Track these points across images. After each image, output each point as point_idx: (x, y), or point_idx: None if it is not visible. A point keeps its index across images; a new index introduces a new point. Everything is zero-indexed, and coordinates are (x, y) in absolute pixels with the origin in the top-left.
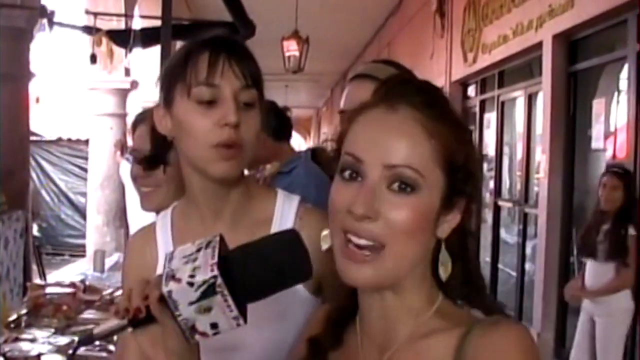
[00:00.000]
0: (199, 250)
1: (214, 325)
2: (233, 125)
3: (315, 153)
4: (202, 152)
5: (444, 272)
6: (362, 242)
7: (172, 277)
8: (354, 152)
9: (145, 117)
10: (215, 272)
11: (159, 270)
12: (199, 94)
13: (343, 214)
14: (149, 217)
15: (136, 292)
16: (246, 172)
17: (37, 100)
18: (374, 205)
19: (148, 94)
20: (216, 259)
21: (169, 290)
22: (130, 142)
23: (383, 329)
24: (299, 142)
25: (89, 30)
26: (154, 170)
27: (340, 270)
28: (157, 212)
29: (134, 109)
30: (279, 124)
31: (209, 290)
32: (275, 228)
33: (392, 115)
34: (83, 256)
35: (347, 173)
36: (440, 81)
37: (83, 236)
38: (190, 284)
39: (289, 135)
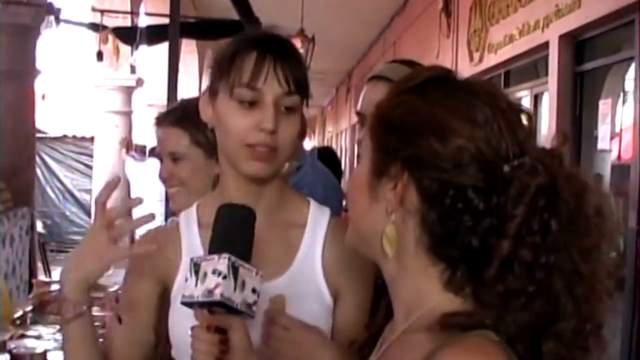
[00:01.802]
0: (198, 266)
1: (254, 290)
2: (270, 131)
3: (321, 152)
4: (236, 150)
5: (387, 246)
6: None
7: (210, 291)
8: None
9: (168, 116)
10: (227, 255)
11: (183, 267)
12: (240, 95)
13: None
14: None
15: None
16: None
17: (43, 97)
18: None
19: (154, 92)
20: (215, 255)
21: (221, 294)
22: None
23: (395, 321)
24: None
25: (95, 27)
26: (180, 169)
27: None
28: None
29: (139, 107)
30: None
31: (234, 269)
32: (309, 234)
33: None
34: None
35: None
36: None
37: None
38: (224, 277)
39: (304, 134)
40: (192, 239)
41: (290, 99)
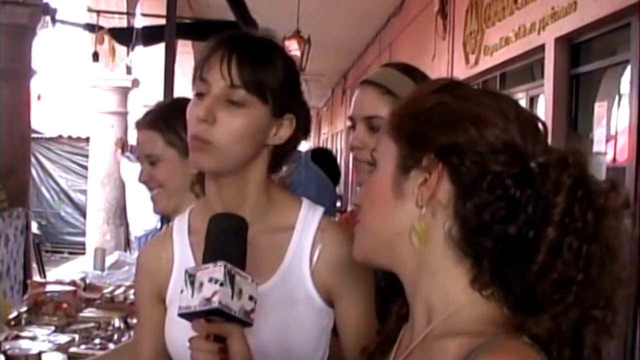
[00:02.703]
0: (193, 277)
1: (251, 297)
2: (201, 119)
3: (315, 154)
4: (188, 141)
5: (416, 242)
6: None
7: (208, 299)
8: None
9: (143, 119)
10: (223, 263)
11: (175, 273)
12: (196, 87)
13: None
14: (149, 216)
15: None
16: None
17: (39, 97)
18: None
19: (149, 93)
20: (210, 263)
21: (219, 301)
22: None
23: (413, 324)
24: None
25: (91, 28)
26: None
27: None
28: (164, 214)
29: (135, 107)
30: None
31: (231, 277)
32: (296, 237)
33: None
34: (82, 254)
35: None
36: None
37: (82, 234)
38: (222, 284)
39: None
40: (183, 245)
41: (235, 93)
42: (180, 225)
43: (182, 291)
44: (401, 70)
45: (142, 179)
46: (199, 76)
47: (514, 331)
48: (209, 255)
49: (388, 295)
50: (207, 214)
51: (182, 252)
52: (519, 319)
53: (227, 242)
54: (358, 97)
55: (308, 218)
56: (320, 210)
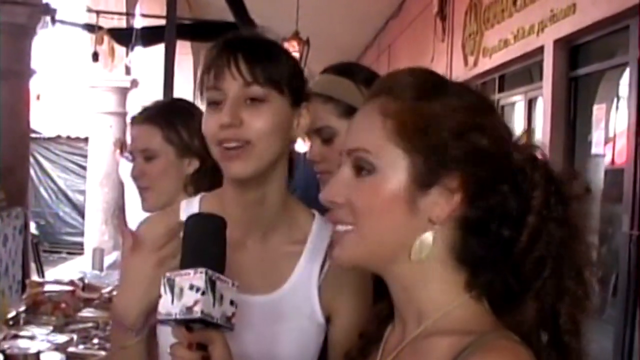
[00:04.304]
0: (173, 281)
1: (232, 302)
2: (226, 125)
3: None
4: (215, 152)
5: (418, 255)
6: (338, 227)
7: (189, 308)
8: None
9: (141, 113)
10: (203, 269)
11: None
12: (209, 97)
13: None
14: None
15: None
16: None
17: (38, 97)
18: (341, 190)
19: (148, 93)
20: (191, 269)
21: (201, 310)
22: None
23: (401, 326)
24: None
25: (90, 28)
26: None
27: None
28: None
29: (134, 108)
30: None
31: (212, 283)
32: (308, 251)
33: (366, 105)
34: (81, 254)
35: None
36: None
37: (81, 234)
38: (203, 292)
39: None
40: None
41: (252, 90)
42: (188, 210)
43: (160, 296)
44: (337, 73)
45: (133, 174)
46: (210, 86)
47: (502, 329)
48: (189, 258)
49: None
50: (220, 210)
51: None
52: (504, 313)
53: (207, 244)
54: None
55: (321, 233)
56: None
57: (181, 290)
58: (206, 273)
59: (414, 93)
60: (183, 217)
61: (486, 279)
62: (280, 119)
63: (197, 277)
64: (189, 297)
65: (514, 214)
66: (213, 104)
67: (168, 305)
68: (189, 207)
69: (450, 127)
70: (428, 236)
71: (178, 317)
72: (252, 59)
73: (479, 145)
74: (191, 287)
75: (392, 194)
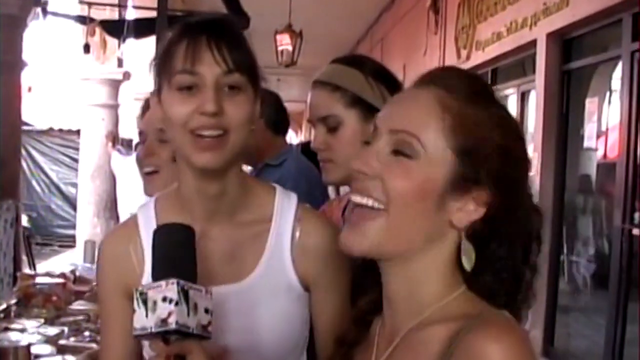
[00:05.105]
0: (145, 295)
1: (207, 310)
2: (211, 114)
3: (305, 147)
4: (182, 141)
5: (467, 263)
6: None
7: (164, 320)
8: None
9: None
10: (175, 280)
11: (148, 271)
12: (179, 81)
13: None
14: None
15: None
16: (246, 168)
17: (30, 89)
18: (374, 162)
19: (140, 85)
20: (169, 278)
21: (176, 321)
22: (121, 133)
23: (392, 318)
24: (290, 136)
25: (82, 20)
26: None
27: None
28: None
29: (126, 100)
30: (279, 117)
31: (184, 293)
32: (275, 227)
33: (419, 90)
34: (72, 247)
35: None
36: None
37: (72, 227)
38: (177, 303)
39: (286, 130)
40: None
41: (232, 78)
42: (145, 217)
43: (134, 310)
44: (346, 64)
45: (140, 155)
46: (183, 69)
47: (496, 309)
48: (159, 270)
49: (359, 287)
50: (178, 206)
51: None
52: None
53: (176, 254)
54: (311, 99)
55: (284, 206)
56: (294, 197)
57: (154, 303)
58: (178, 284)
59: (470, 93)
60: (143, 229)
61: (485, 280)
62: (252, 108)
63: (169, 288)
64: (163, 309)
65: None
66: (185, 89)
67: (142, 320)
68: (146, 212)
69: (499, 145)
70: (466, 243)
71: (153, 330)
72: (234, 46)
73: (513, 174)
74: (164, 299)
75: (429, 185)
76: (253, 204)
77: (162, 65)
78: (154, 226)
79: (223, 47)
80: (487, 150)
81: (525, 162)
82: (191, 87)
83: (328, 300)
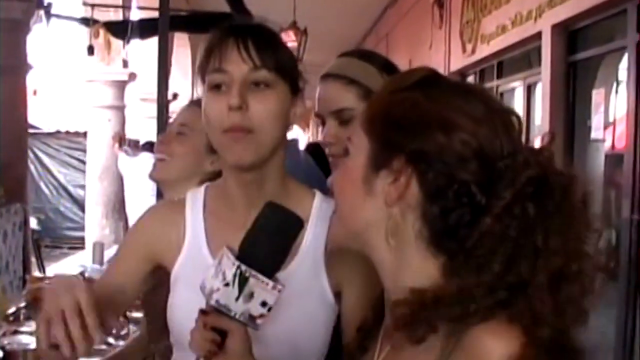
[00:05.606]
0: (218, 265)
1: (263, 304)
2: (235, 108)
3: (313, 149)
4: (216, 138)
5: (390, 241)
6: None
7: (211, 292)
8: None
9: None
10: (237, 263)
11: (185, 253)
12: (211, 81)
13: None
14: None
15: None
16: None
17: (35, 92)
18: None
19: (146, 86)
20: (232, 256)
21: (216, 300)
22: (127, 133)
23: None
24: (297, 134)
25: (86, 21)
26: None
27: None
28: (160, 183)
29: (132, 101)
30: None
31: (242, 279)
32: (311, 229)
33: None
34: (82, 249)
35: None
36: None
37: (82, 229)
38: (227, 284)
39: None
40: (196, 223)
41: (258, 74)
42: (194, 202)
43: (214, 265)
44: (359, 57)
45: (157, 141)
46: (214, 69)
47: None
48: (245, 246)
49: None
50: (225, 198)
51: (195, 231)
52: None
53: (270, 238)
54: (322, 92)
55: (322, 209)
56: (332, 202)
57: (218, 272)
58: (238, 267)
59: (392, 85)
60: (188, 209)
61: (459, 262)
62: (282, 105)
63: (230, 268)
64: (216, 283)
65: (471, 204)
66: (215, 88)
67: (211, 278)
68: (194, 198)
69: (412, 117)
70: (388, 221)
71: (205, 295)
72: (261, 44)
73: (434, 142)
74: (223, 274)
75: (352, 173)
76: (291, 204)
77: (200, 68)
78: (201, 211)
79: (250, 45)
80: (380, 117)
81: (415, 108)
82: (220, 86)
83: (357, 310)
